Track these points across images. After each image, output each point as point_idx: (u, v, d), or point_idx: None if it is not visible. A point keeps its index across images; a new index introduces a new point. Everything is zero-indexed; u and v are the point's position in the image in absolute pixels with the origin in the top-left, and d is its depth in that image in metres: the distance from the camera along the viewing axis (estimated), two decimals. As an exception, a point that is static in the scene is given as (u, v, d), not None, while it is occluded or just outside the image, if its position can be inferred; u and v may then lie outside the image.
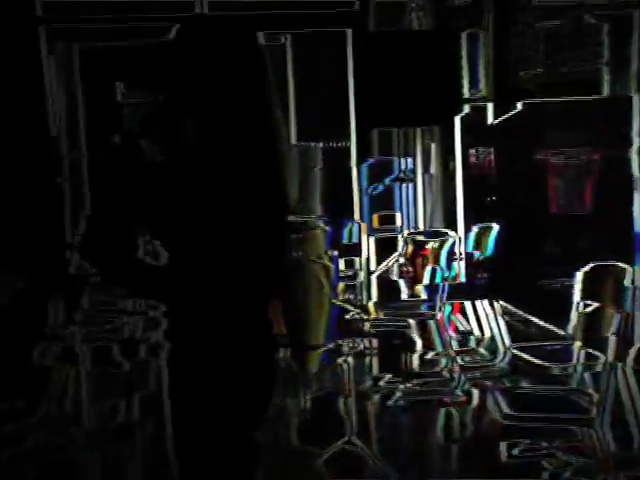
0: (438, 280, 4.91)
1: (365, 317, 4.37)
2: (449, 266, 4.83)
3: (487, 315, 4.95)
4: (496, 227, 4.95)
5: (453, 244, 4.85)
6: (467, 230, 5.25)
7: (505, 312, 5.17)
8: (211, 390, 2.28)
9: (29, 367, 4.06)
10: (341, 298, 4.30)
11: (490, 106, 5.37)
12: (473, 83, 5.89)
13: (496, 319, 4.87)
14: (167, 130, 2.43)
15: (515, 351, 4.62)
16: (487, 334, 5.06)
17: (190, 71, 2.27)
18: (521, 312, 5.06)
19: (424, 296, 5.12)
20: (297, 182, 2.85)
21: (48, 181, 6.67)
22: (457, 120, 5.99)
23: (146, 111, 2.36)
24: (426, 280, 5.16)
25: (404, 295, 5.75)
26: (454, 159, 6.28)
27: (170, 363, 2.37)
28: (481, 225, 5.03)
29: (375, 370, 4.79)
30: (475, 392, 4.75)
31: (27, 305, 4.23)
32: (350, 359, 4.00)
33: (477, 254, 4.96)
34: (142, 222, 2.49)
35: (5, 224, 6.12)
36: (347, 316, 4.09)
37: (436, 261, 4.95)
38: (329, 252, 4.48)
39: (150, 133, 2.42)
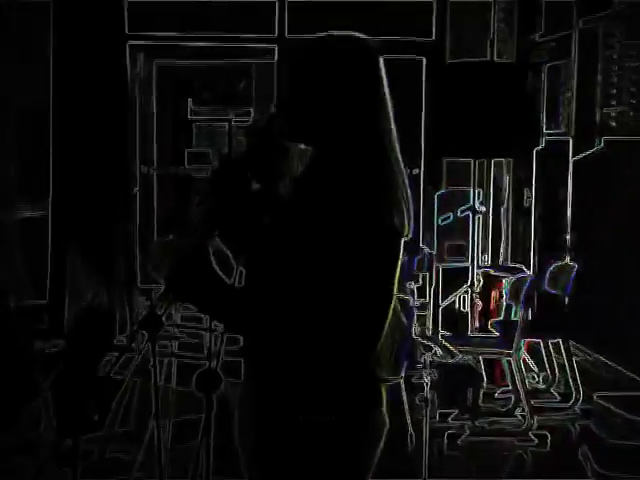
0: (512, 317, 4.70)
1: (438, 352, 4.18)
2: (524, 303, 4.62)
3: (561, 356, 4.74)
4: (575, 266, 4.74)
5: (528, 281, 4.65)
6: (543, 267, 5.06)
7: (580, 354, 4.96)
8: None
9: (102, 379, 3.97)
10: (416, 332, 4.13)
11: (571, 142, 5.21)
12: (554, 117, 5.74)
13: (570, 361, 4.65)
14: (280, 152, 2.27)
15: (595, 398, 4.36)
16: (558, 375, 4.85)
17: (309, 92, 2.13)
18: (597, 355, 4.85)
19: (496, 332, 4.93)
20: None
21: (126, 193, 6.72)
22: (534, 154, 5.85)
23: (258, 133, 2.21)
24: (500, 316, 4.98)
25: (473, 329, 5.57)
26: (530, 193, 6.12)
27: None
28: (559, 263, 4.82)
29: (443, 406, 4.62)
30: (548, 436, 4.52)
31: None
32: (423, 394, 3.82)
33: (553, 292, 4.75)
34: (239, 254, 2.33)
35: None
36: (424, 353, 3.91)
37: (510, 297, 4.75)
38: (407, 284, 4.32)
39: (263, 155, 2.25)
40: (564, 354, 4.78)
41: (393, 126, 2.10)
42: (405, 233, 2.02)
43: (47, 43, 6.05)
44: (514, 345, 4.31)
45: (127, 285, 6.09)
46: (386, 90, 2.13)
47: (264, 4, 6.56)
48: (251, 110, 8.05)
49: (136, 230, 6.41)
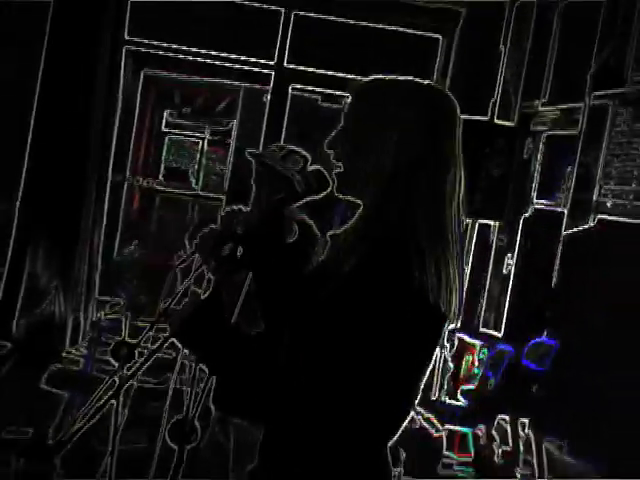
0: (489, 387, 4.44)
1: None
2: (500, 376, 4.38)
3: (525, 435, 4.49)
4: (555, 344, 4.51)
5: (509, 354, 4.41)
6: (520, 337, 4.83)
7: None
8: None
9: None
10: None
11: (566, 214, 5.00)
12: (548, 187, 5.55)
13: (537, 444, 4.40)
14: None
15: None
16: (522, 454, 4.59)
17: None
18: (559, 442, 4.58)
19: (463, 400, 4.68)
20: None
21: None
22: (521, 220, 5.65)
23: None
24: (469, 385, 4.73)
25: (436, 391, 5.31)
26: (511, 260, 5.91)
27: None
28: (540, 340, 4.59)
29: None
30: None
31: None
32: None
33: (532, 367, 4.51)
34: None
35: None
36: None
37: (490, 368, 4.51)
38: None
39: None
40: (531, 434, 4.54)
41: (459, 195, 1.85)
42: (451, 317, 1.80)
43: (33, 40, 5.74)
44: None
45: (85, 295, 5.75)
46: (459, 151, 1.89)
47: (267, 30, 6.34)
48: (232, 132, 7.85)
49: (101, 239, 6.09)
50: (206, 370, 1.94)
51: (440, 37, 6.27)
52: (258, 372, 1.79)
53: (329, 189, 1.98)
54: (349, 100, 1.97)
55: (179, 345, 1.88)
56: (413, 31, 6.25)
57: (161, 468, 3.08)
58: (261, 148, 6.66)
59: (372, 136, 1.87)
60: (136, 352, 2.84)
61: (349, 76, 6.36)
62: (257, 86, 6.85)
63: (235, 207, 3.06)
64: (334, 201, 2.00)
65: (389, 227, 1.79)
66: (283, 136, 6.51)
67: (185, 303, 1.80)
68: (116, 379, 2.84)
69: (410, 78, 1.96)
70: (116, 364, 2.91)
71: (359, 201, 1.93)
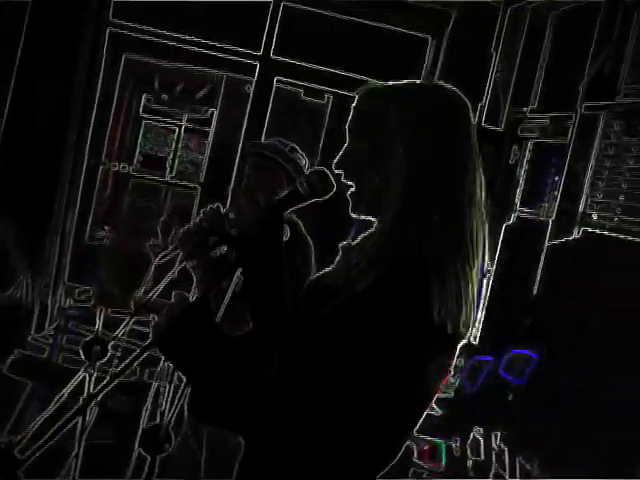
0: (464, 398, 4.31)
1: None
2: (472, 384, 4.25)
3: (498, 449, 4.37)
4: (535, 357, 4.38)
5: (488, 365, 4.28)
6: (500, 349, 4.69)
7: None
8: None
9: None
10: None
11: (550, 225, 4.88)
12: (532, 196, 5.43)
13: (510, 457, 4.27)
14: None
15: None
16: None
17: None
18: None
19: (437, 410, 4.54)
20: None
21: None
22: (503, 228, 5.52)
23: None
24: (445, 394, 4.59)
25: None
26: (491, 268, 5.74)
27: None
28: (519, 352, 4.46)
29: None
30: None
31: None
32: None
33: (510, 379, 4.39)
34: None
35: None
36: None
37: (468, 378, 4.37)
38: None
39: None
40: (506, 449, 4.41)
41: (480, 199, 1.71)
42: (461, 337, 1.66)
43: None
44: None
45: (54, 279, 5.55)
46: (475, 152, 1.75)
47: (255, 19, 6.15)
48: (211, 121, 7.65)
49: (73, 223, 5.88)
50: (185, 379, 1.76)
51: (429, 37, 6.13)
52: (243, 383, 1.64)
53: (333, 192, 1.83)
54: (350, 116, 1.84)
55: (160, 354, 1.69)
56: (402, 30, 6.10)
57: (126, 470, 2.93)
58: (242, 140, 6.48)
59: (378, 149, 1.74)
60: (109, 349, 2.68)
61: (335, 71, 6.21)
62: (240, 76, 6.65)
63: (218, 205, 2.88)
64: (339, 207, 1.85)
65: (407, 245, 1.65)
66: (265, 129, 6.33)
67: (168, 307, 1.63)
68: (86, 376, 2.68)
69: (410, 81, 1.84)
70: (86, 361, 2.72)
71: (375, 219, 1.80)
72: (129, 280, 5.49)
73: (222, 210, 3.68)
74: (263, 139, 6.23)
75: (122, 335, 4.14)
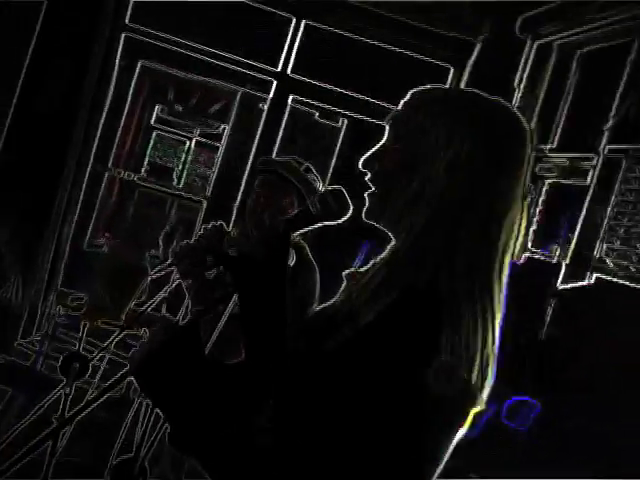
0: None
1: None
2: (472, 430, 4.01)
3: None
4: (537, 404, 4.15)
5: (490, 411, 4.03)
6: (503, 394, 4.46)
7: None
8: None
9: None
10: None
11: (563, 268, 4.66)
12: (545, 237, 5.21)
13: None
14: None
15: None
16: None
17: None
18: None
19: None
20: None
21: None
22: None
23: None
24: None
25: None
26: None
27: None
28: (521, 399, 4.22)
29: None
30: None
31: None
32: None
33: (512, 426, 4.15)
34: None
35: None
36: None
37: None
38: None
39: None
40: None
41: (517, 242, 1.48)
42: (473, 394, 1.41)
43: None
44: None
45: (46, 284, 5.32)
46: (525, 189, 1.52)
47: (275, 36, 5.97)
48: (222, 136, 7.47)
49: (71, 228, 5.67)
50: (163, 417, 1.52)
51: (451, 67, 5.94)
52: (231, 425, 1.41)
53: (349, 215, 1.62)
54: (395, 112, 1.60)
55: (136, 386, 1.46)
56: (424, 57, 5.91)
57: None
58: (251, 157, 6.28)
59: (418, 155, 1.51)
60: (89, 367, 2.46)
61: (353, 94, 6.02)
62: (255, 92, 6.47)
63: (221, 223, 2.67)
64: (355, 233, 1.62)
65: (423, 274, 1.42)
66: (276, 148, 6.14)
67: (149, 334, 1.41)
68: (62, 394, 2.46)
69: (469, 90, 1.62)
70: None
71: (390, 233, 1.56)
72: (124, 291, 5.28)
73: (224, 228, 3.47)
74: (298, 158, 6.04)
75: (110, 347, 3.94)
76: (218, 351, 1.82)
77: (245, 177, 6.27)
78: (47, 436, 1.75)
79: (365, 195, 1.59)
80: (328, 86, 6.02)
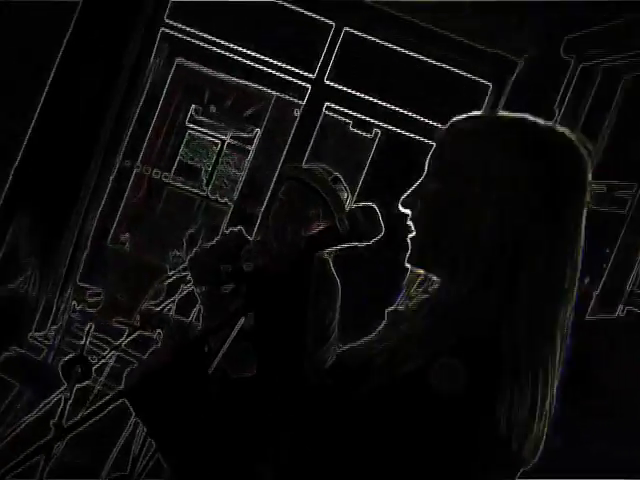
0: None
1: None
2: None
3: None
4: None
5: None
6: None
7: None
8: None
9: None
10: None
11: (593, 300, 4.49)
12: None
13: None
14: None
15: None
16: None
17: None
18: None
19: None
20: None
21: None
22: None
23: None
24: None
25: None
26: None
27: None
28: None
29: None
30: None
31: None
32: None
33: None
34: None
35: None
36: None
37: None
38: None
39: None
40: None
41: (576, 286, 1.32)
42: (525, 461, 1.25)
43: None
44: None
45: (64, 278, 5.21)
46: (583, 227, 1.38)
47: (314, 42, 5.85)
48: (254, 140, 7.36)
49: (94, 223, 5.56)
50: (161, 447, 1.36)
51: (490, 84, 5.78)
52: (237, 461, 1.27)
53: (380, 235, 1.46)
54: (437, 144, 1.43)
55: (131, 408, 1.31)
56: (464, 73, 5.75)
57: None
58: (281, 163, 6.15)
59: (465, 197, 1.34)
60: (92, 371, 2.33)
61: (388, 105, 5.88)
62: (290, 98, 6.34)
63: (240, 229, 2.54)
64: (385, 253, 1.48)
65: (478, 323, 1.25)
66: (307, 155, 6.01)
67: (150, 353, 1.26)
68: (62, 399, 2.34)
69: (524, 116, 1.41)
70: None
71: (434, 278, 1.41)
72: (142, 290, 5.17)
73: (243, 235, 3.31)
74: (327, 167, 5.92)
75: (121, 347, 3.84)
76: (227, 364, 1.67)
77: (273, 183, 6.15)
78: (40, 448, 1.62)
79: (407, 239, 1.42)
80: (364, 96, 5.88)
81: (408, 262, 1.42)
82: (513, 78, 5.59)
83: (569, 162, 1.36)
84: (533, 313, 1.27)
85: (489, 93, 5.75)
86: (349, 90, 5.89)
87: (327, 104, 5.99)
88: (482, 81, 5.76)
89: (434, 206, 1.37)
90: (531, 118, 1.40)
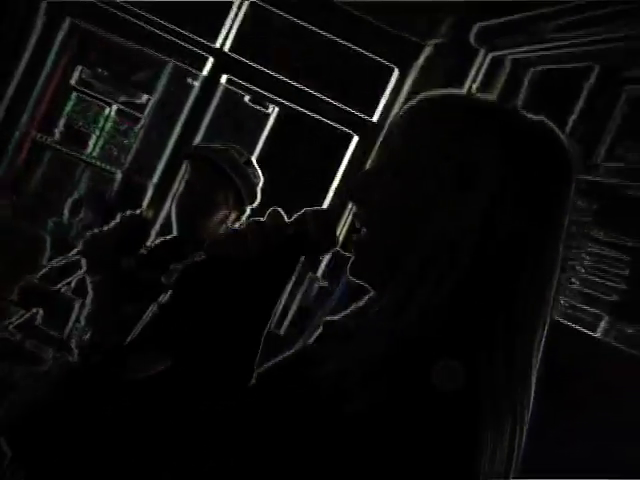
0: None
1: None
2: None
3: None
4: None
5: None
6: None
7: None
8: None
9: None
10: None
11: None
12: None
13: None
14: None
15: None
16: None
17: None
18: None
19: None
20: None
21: None
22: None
23: None
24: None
25: None
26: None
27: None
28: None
29: None
30: None
31: None
32: None
33: None
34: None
35: None
36: None
37: None
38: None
39: None
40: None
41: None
42: None
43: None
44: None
45: None
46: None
47: (216, 11, 5.54)
48: (146, 107, 6.99)
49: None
50: None
51: (395, 67, 5.59)
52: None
53: (333, 249, 1.23)
54: (395, 125, 1.21)
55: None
56: (369, 53, 5.55)
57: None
58: (176, 134, 5.85)
59: (427, 199, 1.14)
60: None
61: (290, 82, 5.64)
62: (188, 67, 6.01)
63: (141, 212, 2.35)
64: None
65: (451, 351, 1.05)
66: (203, 128, 5.72)
67: (31, 382, 1.02)
68: None
69: (509, 106, 1.22)
70: None
71: (384, 295, 1.16)
72: (20, 260, 4.83)
73: (146, 219, 3.00)
74: (200, 139, 5.63)
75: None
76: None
77: (167, 155, 5.84)
78: None
79: (353, 239, 1.20)
80: (265, 70, 5.62)
81: (352, 273, 1.21)
82: (419, 62, 5.43)
83: (558, 160, 1.18)
84: (517, 350, 1.09)
85: (394, 76, 5.57)
86: (250, 63, 5.62)
87: (227, 76, 5.71)
88: (387, 63, 5.57)
89: (386, 205, 1.16)
90: (514, 107, 1.22)
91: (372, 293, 1.24)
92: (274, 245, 1.17)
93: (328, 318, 1.29)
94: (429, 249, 1.09)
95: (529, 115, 1.21)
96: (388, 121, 1.24)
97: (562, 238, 1.15)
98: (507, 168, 1.11)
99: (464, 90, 1.28)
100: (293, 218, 1.22)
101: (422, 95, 1.25)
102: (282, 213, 1.19)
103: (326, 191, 5.54)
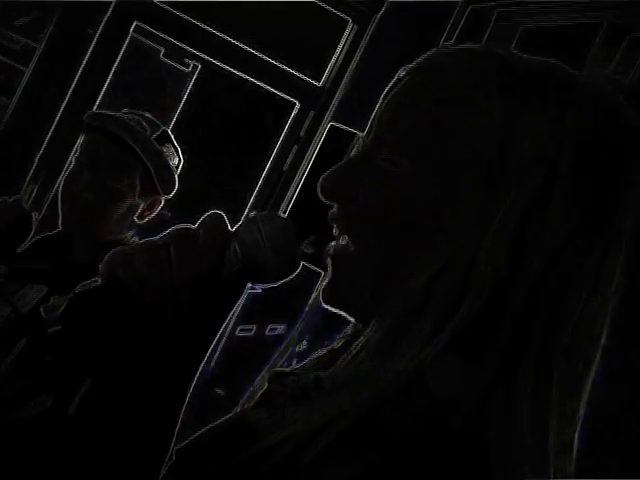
0: None
1: None
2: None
3: None
4: None
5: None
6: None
7: None
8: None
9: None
10: None
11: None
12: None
13: None
14: None
15: None
16: None
17: None
18: None
19: None
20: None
21: None
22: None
23: None
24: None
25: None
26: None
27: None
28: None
29: None
30: None
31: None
32: None
33: None
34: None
35: None
36: None
37: None
38: None
39: None
40: None
41: None
42: None
43: None
44: None
45: None
46: None
47: None
48: (31, 58, 5.88)
49: None
50: None
51: (350, 20, 4.59)
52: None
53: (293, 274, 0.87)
54: (403, 95, 0.89)
55: None
56: (320, 3, 4.53)
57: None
58: (69, 94, 4.75)
59: (457, 189, 0.81)
60: None
61: (218, 34, 4.60)
62: (84, 11, 4.90)
63: (17, 199, 2.10)
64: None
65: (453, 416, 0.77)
66: (105, 86, 4.64)
67: None
68: None
69: (554, 62, 0.89)
70: None
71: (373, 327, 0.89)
72: None
73: (22, 209, 2.37)
74: (98, 104, 4.58)
75: None
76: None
77: (56, 121, 4.76)
78: None
79: (329, 252, 0.89)
80: (185, 17, 4.57)
81: (330, 300, 0.92)
82: (378, 17, 4.46)
83: (629, 125, 0.85)
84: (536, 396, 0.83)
85: (348, 32, 4.57)
86: (166, 8, 4.56)
87: (136, 23, 4.63)
88: (341, 15, 4.55)
89: (398, 204, 0.84)
90: (560, 64, 0.90)
91: (351, 327, 1.00)
92: (210, 270, 0.85)
93: (277, 370, 1.01)
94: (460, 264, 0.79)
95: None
96: (384, 90, 0.73)
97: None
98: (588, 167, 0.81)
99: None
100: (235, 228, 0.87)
101: (442, 49, 0.90)
102: (224, 219, 0.89)
103: (260, 170, 4.57)
